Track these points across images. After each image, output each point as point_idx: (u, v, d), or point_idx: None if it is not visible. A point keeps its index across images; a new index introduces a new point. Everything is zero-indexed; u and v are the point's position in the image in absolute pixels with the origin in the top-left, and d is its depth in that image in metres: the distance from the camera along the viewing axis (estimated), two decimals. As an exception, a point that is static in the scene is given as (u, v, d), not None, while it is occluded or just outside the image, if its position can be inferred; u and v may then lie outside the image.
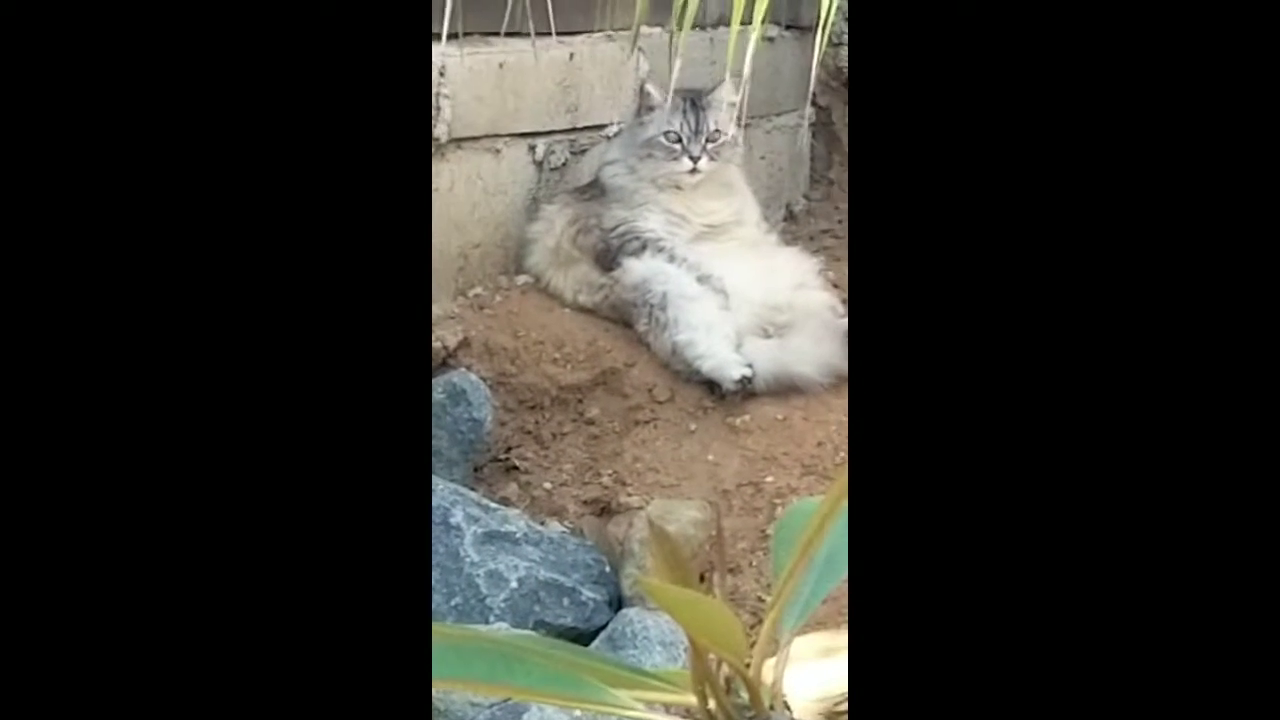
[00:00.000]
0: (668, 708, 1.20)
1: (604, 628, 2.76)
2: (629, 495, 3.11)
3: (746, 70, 2.42)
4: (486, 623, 2.71)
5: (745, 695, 1.13)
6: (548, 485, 3.17)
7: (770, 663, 1.17)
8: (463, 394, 3.11)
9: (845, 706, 2.40)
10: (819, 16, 2.38)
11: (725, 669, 1.13)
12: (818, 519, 1.12)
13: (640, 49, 3.68)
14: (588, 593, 2.85)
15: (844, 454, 3.12)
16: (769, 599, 1.60)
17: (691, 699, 1.14)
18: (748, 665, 1.11)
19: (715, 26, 3.86)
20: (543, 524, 3.03)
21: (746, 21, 2.44)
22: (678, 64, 2.50)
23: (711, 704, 1.11)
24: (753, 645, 1.14)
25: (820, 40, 2.46)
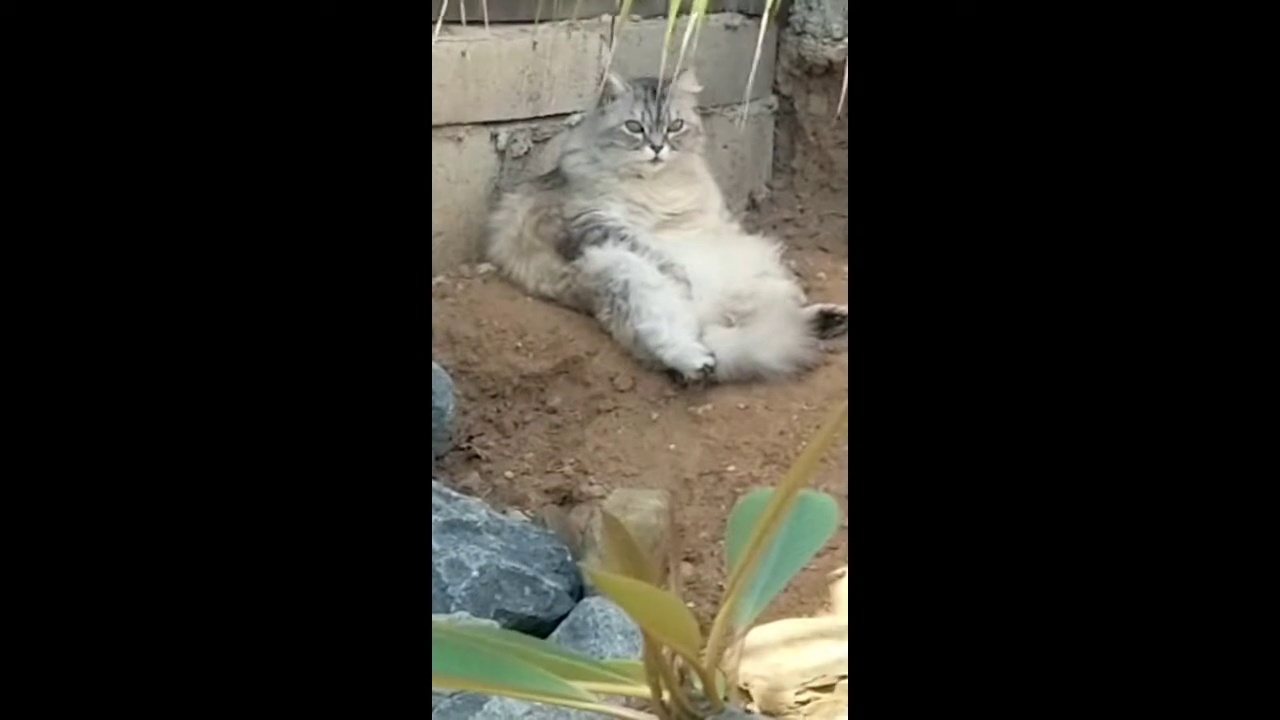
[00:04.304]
0: (627, 700, 1.20)
1: (565, 617, 2.76)
2: (591, 484, 3.11)
3: (681, 57, 2.42)
4: (448, 611, 2.71)
5: (700, 686, 1.13)
6: (509, 474, 3.17)
7: (727, 653, 1.17)
8: (425, 383, 3.11)
9: (808, 695, 2.40)
10: (769, 5, 2.38)
11: (680, 660, 1.13)
12: (772, 509, 1.12)
13: (603, 37, 3.67)
14: (549, 582, 2.85)
15: (806, 442, 3.13)
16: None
17: (647, 690, 1.14)
18: (701, 656, 1.11)
19: (678, 15, 3.85)
20: (504, 513, 3.03)
21: (711, 10, 2.44)
22: (614, 46, 2.50)
23: (666, 695, 1.11)
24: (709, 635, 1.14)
25: (766, 25, 2.46)
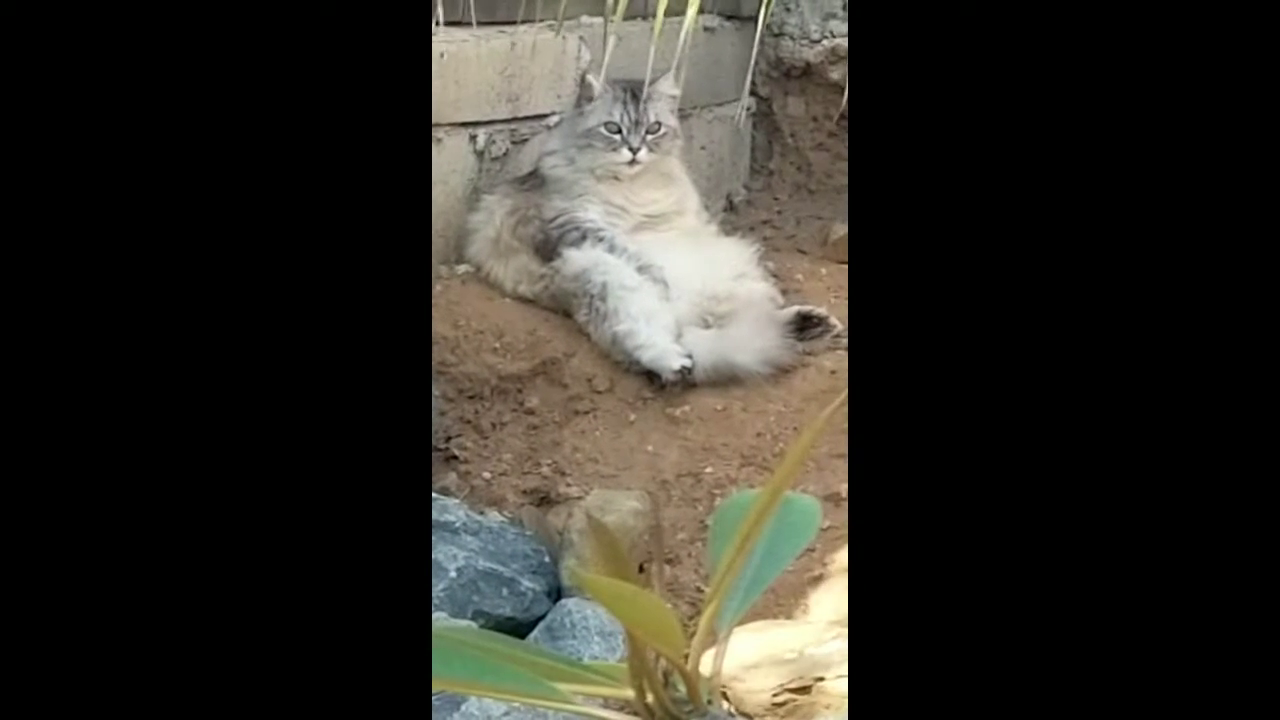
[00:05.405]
0: (605, 701, 1.20)
1: (543, 618, 2.76)
2: (568, 485, 3.11)
3: (653, 57, 2.42)
4: (425, 613, 2.71)
5: (683, 689, 1.13)
6: (487, 475, 3.17)
7: (709, 655, 1.17)
8: (402, 383, 3.10)
9: (785, 697, 2.41)
10: (759, 6, 2.39)
11: (663, 662, 1.13)
12: (755, 511, 1.12)
13: (582, 39, 3.67)
14: (527, 583, 2.85)
15: (783, 444, 3.13)
16: (707, 590, 1.60)
17: (629, 692, 1.13)
18: (685, 658, 1.11)
19: (658, 16, 3.85)
20: (482, 514, 3.02)
21: (701, 12, 2.45)
22: (609, 47, 2.50)
23: (649, 698, 1.11)
24: (691, 637, 1.14)
25: (760, 29, 2.47)
